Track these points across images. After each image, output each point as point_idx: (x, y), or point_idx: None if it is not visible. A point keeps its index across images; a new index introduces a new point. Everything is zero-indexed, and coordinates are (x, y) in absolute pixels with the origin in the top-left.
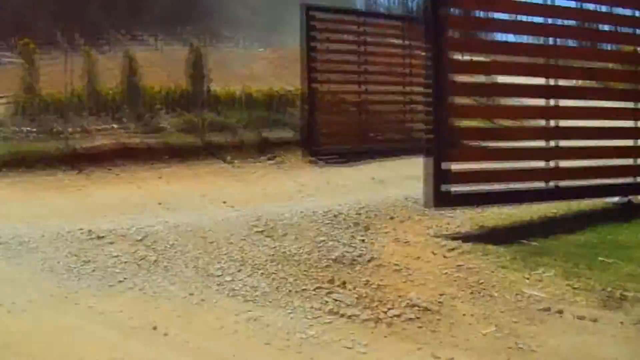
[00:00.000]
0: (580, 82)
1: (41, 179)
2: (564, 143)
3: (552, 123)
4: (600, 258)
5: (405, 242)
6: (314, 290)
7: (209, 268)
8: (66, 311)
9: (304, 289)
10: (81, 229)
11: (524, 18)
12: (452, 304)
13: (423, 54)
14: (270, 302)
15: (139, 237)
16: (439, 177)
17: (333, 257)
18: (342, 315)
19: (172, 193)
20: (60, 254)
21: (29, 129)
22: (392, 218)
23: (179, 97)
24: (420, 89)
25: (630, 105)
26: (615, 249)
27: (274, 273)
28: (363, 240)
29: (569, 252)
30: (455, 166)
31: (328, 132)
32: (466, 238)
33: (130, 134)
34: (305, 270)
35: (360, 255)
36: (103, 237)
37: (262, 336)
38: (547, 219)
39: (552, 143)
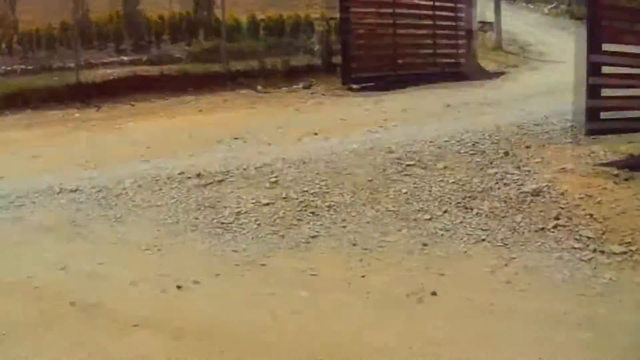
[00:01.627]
0: None
1: (57, 119)
2: None
3: None
4: None
5: (572, 172)
6: (554, 229)
7: (404, 211)
8: (291, 286)
9: (542, 228)
10: (182, 173)
11: None
12: None
13: None
14: (523, 245)
15: (272, 179)
16: (594, 107)
17: (526, 190)
18: (611, 254)
19: (235, 125)
20: (184, 206)
21: (22, 66)
22: (528, 147)
23: (187, 25)
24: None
25: None
26: None
27: (489, 211)
28: (530, 171)
29: None
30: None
31: (364, 58)
32: (627, 166)
33: (142, 65)
34: (516, 207)
35: (547, 188)
36: (221, 180)
37: (564, 287)
38: None
39: None
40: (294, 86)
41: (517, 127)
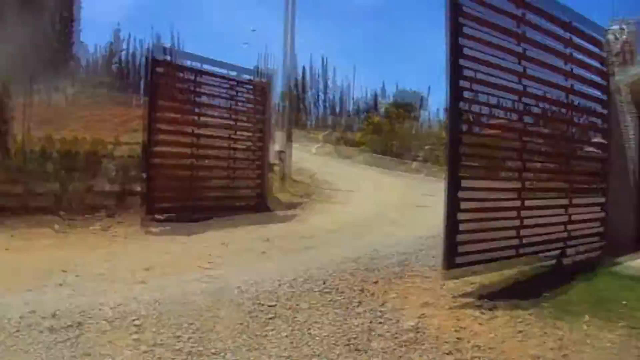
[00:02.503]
0: None
1: None
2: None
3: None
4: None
5: (435, 306)
6: None
7: (297, 356)
8: None
9: None
10: (33, 311)
11: None
12: None
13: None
14: None
15: (135, 322)
16: (453, 245)
17: (405, 327)
18: None
19: (57, 261)
20: (59, 355)
21: None
22: (376, 282)
23: None
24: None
25: None
26: (617, 295)
27: (383, 352)
28: (396, 308)
29: (589, 305)
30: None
31: (165, 190)
32: (486, 297)
33: None
34: (406, 345)
35: (422, 324)
36: (80, 323)
37: None
38: (517, 279)
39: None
40: (96, 214)
41: (354, 262)
